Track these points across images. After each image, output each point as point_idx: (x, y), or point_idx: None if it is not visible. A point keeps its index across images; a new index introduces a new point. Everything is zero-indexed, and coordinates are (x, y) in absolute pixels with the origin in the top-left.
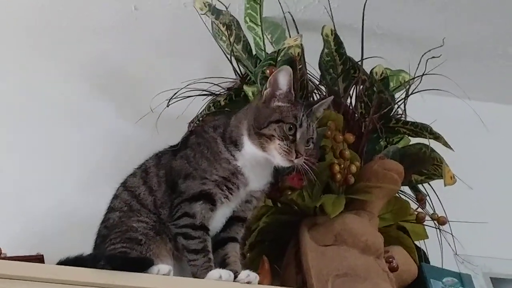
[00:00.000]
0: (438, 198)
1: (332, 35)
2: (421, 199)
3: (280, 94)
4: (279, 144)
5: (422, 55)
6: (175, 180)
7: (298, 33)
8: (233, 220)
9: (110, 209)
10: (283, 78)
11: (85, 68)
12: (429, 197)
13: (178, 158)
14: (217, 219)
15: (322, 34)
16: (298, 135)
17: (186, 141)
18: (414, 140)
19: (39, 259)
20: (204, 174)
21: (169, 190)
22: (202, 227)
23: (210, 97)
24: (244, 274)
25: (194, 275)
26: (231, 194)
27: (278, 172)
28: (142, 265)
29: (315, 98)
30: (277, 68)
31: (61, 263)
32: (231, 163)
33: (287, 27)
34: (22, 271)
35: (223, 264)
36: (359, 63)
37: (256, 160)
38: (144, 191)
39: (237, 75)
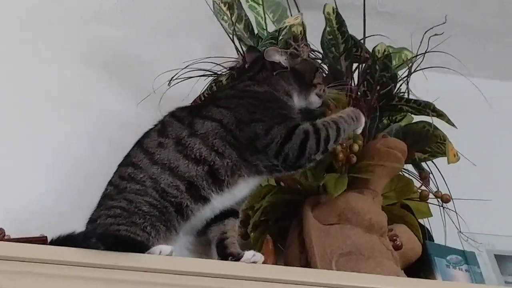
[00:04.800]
0: (442, 176)
1: (333, 13)
2: (424, 177)
3: None
4: None
5: (425, 33)
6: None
7: (299, 11)
8: None
9: (130, 179)
10: None
11: (86, 51)
12: (432, 175)
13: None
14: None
15: (323, 13)
16: None
17: None
18: (417, 118)
19: (43, 240)
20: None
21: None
22: None
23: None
24: (250, 254)
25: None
26: None
27: None
28: (134, 246)
29: None
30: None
31: (52, 242)
32: None
33: (289, 6)
34: (26, 253)
35: (221, 244)
36: (361, 41)
37: None
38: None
39: (239, 54)
